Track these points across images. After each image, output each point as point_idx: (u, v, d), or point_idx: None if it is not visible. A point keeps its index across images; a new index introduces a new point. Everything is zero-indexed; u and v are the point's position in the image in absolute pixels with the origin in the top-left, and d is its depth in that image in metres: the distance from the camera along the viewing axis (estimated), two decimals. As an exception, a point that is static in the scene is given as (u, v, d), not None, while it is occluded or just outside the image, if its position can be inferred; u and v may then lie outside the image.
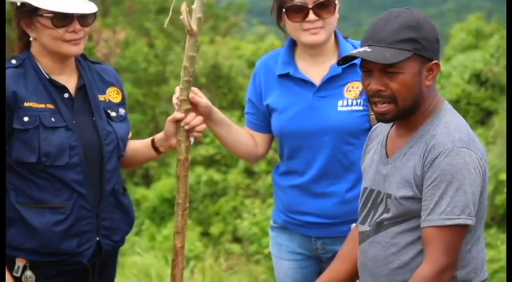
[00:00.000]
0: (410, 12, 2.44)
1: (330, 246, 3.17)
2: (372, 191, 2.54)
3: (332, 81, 3.13)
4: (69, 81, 2.96)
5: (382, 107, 2.42)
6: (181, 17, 2.83)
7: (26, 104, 2.84)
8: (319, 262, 3.22)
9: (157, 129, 3.06)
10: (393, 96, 2.40)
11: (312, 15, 3.05)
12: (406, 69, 2.39)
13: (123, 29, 15.51)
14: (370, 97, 2.45)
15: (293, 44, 3.22)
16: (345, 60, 2.50)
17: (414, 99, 2.42)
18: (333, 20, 3.10)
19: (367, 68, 2.43)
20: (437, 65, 2.44)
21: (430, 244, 2.37)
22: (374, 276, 2.50)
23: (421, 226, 2.39)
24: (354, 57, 2.44)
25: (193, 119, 2.97)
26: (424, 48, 2.40)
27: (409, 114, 2.45)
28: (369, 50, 2.40)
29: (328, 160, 3.12)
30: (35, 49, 2.93)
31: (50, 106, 2.88)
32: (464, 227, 2.37)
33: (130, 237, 10.63)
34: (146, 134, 12.88)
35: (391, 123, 2.56)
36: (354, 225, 2.83)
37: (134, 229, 11.80)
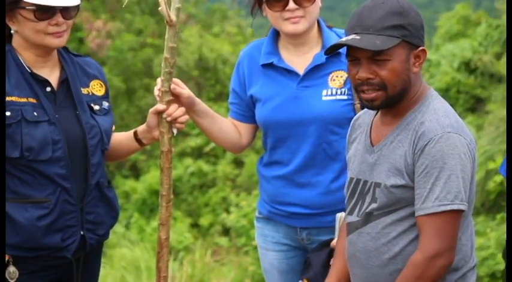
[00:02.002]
0: None
1: (316, 236, 3.16)
2: (358, 180, 2.52)
3: (316, 71, 3.12)
4: (52, 74, 2.93)
5: (371, 94, 2.41)
6: (160, 8, 2.81)
7: (8, 99, 2.82)
8: (304, 252, 3.21)
9: (145, 121, 3.07)
10: (383, 83, 2.39)
11: (292, 4, 3.04)
12: (395, 56, 2.38)
13: (112, 22, 15.40)
14: (358, 86, 2.43)
15: (276, 34, 3.20)
16: (332, 49, 2.48)
17: (403, 86, 2.41)
18: (314, 9, 3.08)
19: (355, 56, 2.41)
20: (424, 51, 2.43)
21: (423, 232, 2.37)
22: (364, 267, 2.49)
23: (416, 215, 2.38)
24: (341, 45, 2.42)
25: (176, 111, 2.95)
26: (411, 35, 2.39)
27: (397, 101, 2.43)
28: (358, 37, 2.38)
29: (312, 150, 3.11)
30: (16, 42, 2.90)
31: (32, 100, 2.86)
32: (458, 213, 2.37)
33: (119, 229, 10.63)
34: (135, 126, 12.83)
35: (375, 112, 2.55)
36: (339, 215, 2.82)
37: (123, 221, 11.79)
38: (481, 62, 13.03)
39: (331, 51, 2.50)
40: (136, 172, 14.00)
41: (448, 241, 2.37)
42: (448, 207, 2.35)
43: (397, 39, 2.37)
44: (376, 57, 2.37)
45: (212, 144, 13.17)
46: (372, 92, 2.40)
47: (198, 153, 13.64)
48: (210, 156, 13.61)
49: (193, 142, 13.52)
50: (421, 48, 2.42)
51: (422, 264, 2.35)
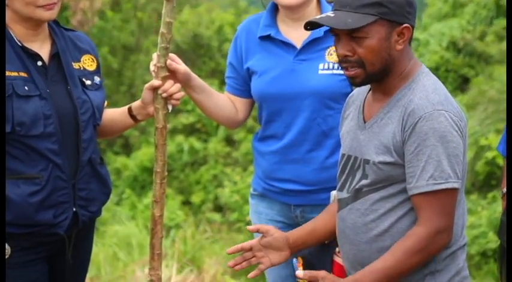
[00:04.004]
0: None
1: (309, 214, 3.15)
2: (349, 157, 2.51)
3: (313, 45, 3.10)
4: (43, 48, 2.89)
5: (351, 71, 2.41)
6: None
7: (-3, 72, 2.78)
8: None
9: (135, 99, 3.05)
10: (360, 61, 2.39)
11: None
12: (372, 34, 2.36)
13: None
14: (340, 62, 2.44)
15: (275, 7, 3.19)
16: (308, 25, 2.46)
17: (382, 64, 2.39)
18: None
19: (335, 32, 2.41)
20: (408, 28, 2.40)
21: (423, 209, 2.36)
22: (353, 243, 2.48)
23: (410, 193, 2.37)
24: (316, 23, 2.42)
25: (171, 86, 2.91)
26: (392, 12, 2.37)
27: (380, 78, 2.43)
28: (332, 15, 2.38)
29: (307, 124, 3.10)
30: (6, 15, 2.85)
31: (22, 74, 2.81)
32: (454, 191, 2.36)
33: (111, 206, 10.62)
34: (123, 104, 12.78)
35: (368, 88, 2.54)
36: (333, 192, 2.81)
37: (115, 198, 11.78)
38: (465, 40, 13.05)
39: (308, 27, 2.48)
40: (127, 149, 13.97)
41: (449, 219, 2.37)
42: (443, 186, 2.34)
43: (373, 17, 2.35)
44: (354, 34, 2.37)
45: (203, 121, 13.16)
46: (351, 69, 2.41)
47: (189, 130, 13.61)
48: (201, 133, 13.59)
49: (184, 119, 13.49)
50: (404, 25, 2.38)
51: (426, 238, 2.34)
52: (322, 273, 2.37)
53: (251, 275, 2.63)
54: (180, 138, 13.18)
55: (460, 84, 13.24)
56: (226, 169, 12.51)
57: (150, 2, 15.59)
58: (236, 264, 2.64)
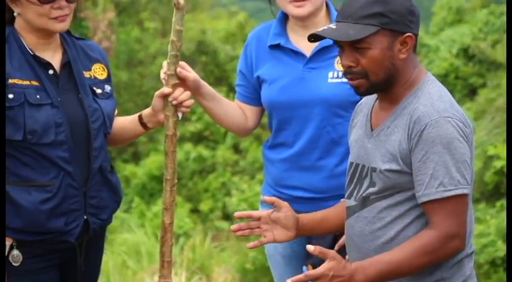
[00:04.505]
0: None
1: (320, 221, 3.16)
2: (357, 165, 2.52)
3: (323, 53, 3.12)
4: (54, 57, 2.91)
5: (355, 81, 2.42)
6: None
7: (10, 81, 2.80)
8: (308, 237, 3.20)
9: (146, 106, 3.07)
10: (364, 71, 2.40)
11: None
12: (375, 44, 2.37)
13: (110, 10, 15.29)
14: (345, 73, 2.46)
15: (285, 16, 3.21)
16: (315, 37, 2.48)
17: (386, 73, 2.40)
18: None
19: (339, 44, 2.43)
20: (411, 37, 2.40)
21: (434, 215, 2.35)
22: (360, 251, 2.49)
23: (420, 201, 2.37)
24: (319, 35, 2.43)
25: (181, 94, 2.93)
26: (394, 22, 2.37)
27: (385, 88, 2.44)
28: (334, 27, 2.40)
29: (316, 132, 3.11)
30: (19, 25, 2.88)
31: (34, 83, 2.83)
32: (464, 197, 2.36)
33: (120, 214, 10.64)
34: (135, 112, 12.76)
35: (376, 97, 2.55)
36: (342, 200, 2.82)
37: (124, 206, 11.80)
38: (479, 49, 13.01)
39: (311, 40, 2.49)
40: (136, 157, 13.99)
41: (461, 225, 2.36)
42: (453, 192, 2.34)
43: (374, 27, 2.36)
44: (357, 45, 2.37)
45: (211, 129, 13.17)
46: (355, 79, 2.42)
47: (197, 138, 13.63)
48: (209, 141, 13.61)
49: (192, 127, 13.51)
50: (407, 34, 2.39)
51: (437, 240, 2.34)
52: (332, 252, 2.34)
53: (251, 245, 2.63)
54: (188, 146, 13.21)
55: (469, 92, 13.22)
56: (233, 178, 12.52)
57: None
58: (239, 230, 2.62)
